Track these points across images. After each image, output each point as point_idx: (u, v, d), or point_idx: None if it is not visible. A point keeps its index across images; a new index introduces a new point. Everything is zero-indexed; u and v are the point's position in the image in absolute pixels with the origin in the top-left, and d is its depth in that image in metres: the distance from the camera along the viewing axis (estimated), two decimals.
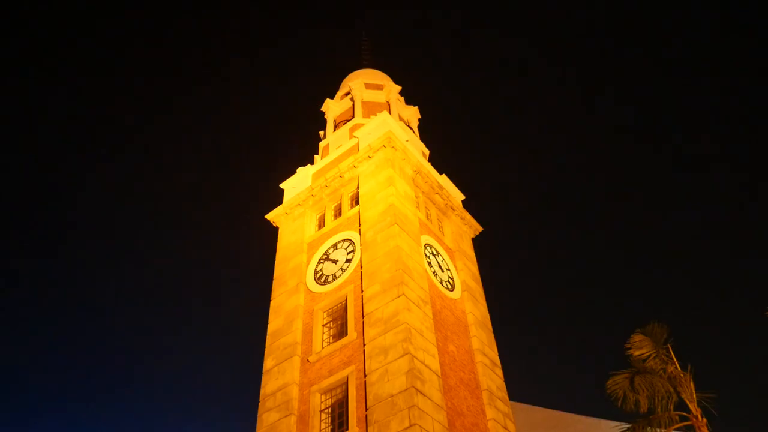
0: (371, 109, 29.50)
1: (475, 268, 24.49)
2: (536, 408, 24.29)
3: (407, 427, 14.92)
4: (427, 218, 23.92)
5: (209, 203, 68.60)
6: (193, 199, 67.47)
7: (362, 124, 27.13)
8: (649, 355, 15.36)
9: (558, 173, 66.40)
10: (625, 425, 15.14)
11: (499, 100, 71.48)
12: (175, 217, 66.22)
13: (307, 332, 19.90)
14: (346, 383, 17.38)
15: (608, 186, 63.93)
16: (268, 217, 25.72)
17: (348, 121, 29.15)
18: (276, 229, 25.51)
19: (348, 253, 21.21)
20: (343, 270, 20.77)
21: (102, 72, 65.46)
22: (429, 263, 21.23)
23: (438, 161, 28.77)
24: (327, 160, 26.41)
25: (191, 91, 71.28)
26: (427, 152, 29.15)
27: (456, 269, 23.14)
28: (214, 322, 62.65)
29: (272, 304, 21.96)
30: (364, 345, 17.56)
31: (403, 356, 16.27)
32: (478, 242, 26.74)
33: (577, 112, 67.32)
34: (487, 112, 71.86)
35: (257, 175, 71.14)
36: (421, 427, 14.94)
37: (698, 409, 14.49)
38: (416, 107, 32.02)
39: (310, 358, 18.85)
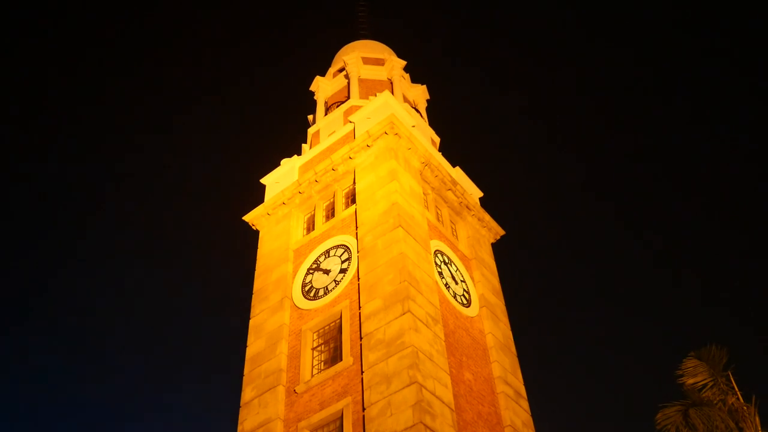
0: (370, 88, 29.54)
1: (495, 280, 24.50)
2: None
3: None
4: (438, 219, 23.96)
5: (175, 202, 68.75)
6: (157, 198, 67.58)
7: (359, 107, 27.20)
8: (706, 384, 15.37)
9: (594, 166, 66.43)
10: None
11: (524, 78, 71.61)
12: (137, 218, 66.31)
13: (294, 357, 19.93)
14: (341, 418, 17.39)
15: (660, 178, 63.93)
16: (246, 218, 25.78)
17: (342, 102, 29.21)
18: (256, 232, 25.57)
19: (342, 262, 21.25)
20: (336, 282, 20.81)
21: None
22: (440, 273, 21.26)
23: (451, 151, 28.85)
24: (317, 149, 26.47)
25: (147, 65, 71.43)
26: (438, 140, 29.19)
27: (473, 281, 23.17)
28: (180, 345, 62.72)
29: (252, 322, 22.00)
30: (362, 372, 17.59)
31: (409, 386, 16.30)
32: (498, 248, 26.80)
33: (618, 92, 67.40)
34: (509, 92, 71.95)
35: (233, 167, 71.26)
36: None
37: None
38: (424, 86, 32.07)
39: (298, 389, 18.88)
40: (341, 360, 18.59)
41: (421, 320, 18.02)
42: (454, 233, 24.68)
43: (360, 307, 19.17)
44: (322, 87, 31.46)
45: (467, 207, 25.44)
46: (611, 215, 66.19)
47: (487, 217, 26.35)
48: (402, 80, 30.96)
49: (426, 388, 16.36)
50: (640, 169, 64.97)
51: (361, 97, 28.70)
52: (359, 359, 18.04)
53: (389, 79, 30.75)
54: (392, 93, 28.69)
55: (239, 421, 19.39)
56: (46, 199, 65.12)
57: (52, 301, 63.06)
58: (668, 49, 65.78)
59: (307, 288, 21.58)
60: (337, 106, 29.19)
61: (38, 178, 64.48)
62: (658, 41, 65.59)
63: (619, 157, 66.58)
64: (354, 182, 23.38)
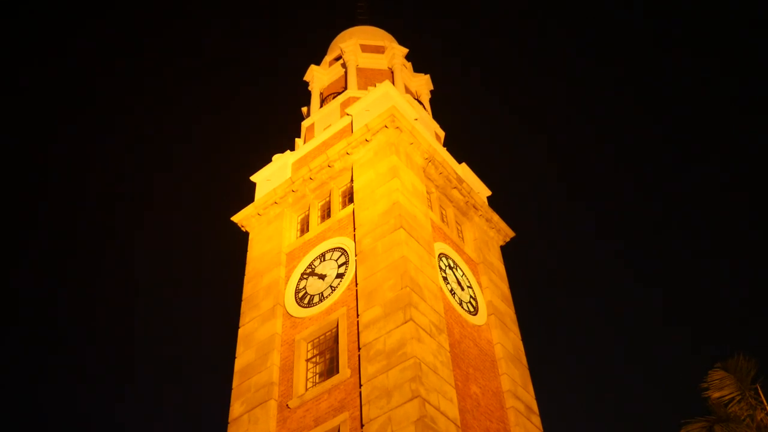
0: (369, 78, 29.57)
1: (504, 286, 24.54)
2: None
3: None
4: (443, 220, 23.99)
5: (158, 201, 68.76)
6: (138, 197, 67.59)
7: (357, 98, 27.24)
8: (733, 398, 15.39)
9: (612, 162, 66.36)
10: None
11: (535, 67, 71.65)
12: (118, 217, 66.33)
13: (287, 369, 19.96)
14: None
15: (691, 177, 63.85)
16: (234, 219, 25.81)
17: (339, 93, 29.25)
18: (245, 234, 25.60)
19: (339, 266, 21.28)
20: (332, 288, 20.84)
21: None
22: (445, 279, 21.29)
23: (456, 146, 28.90)
24: (312, 144, 26.50)
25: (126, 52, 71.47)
26: (443, 134, 29.22)
27: (480, 287, 23.20)
28: (163, 356, 62.71)
29: (240, 332, 22.03)
30: (360, 386, 17.62)
31: (411, 400, 16.32)
32: (508, 251, 26.82)
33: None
34: (519, 82, 72.01)
35: (220, 164, 71.31)
36: None
37: None
38: (428, 75, 32.10)
39: (291, 403, 18.91)
40: (338, 372, 18.61)
41: (424, 329, 18.05)
42: (460, 235, 24.70)
43: (358, 315, 19.19)
44: (317, 77, 31.47)
45: (474, 207, 25.48)
46: (632, 216, 66.11)
47: (496, 217, 26.38)
48: (403, 69, 30.99)
49: (429, 403, 16.39)
50: (667, 168, 64.99)
51: (359, 88, 28.73)
52: (357, 371, 18.07)
53: (390, 68, 30.77)
54: (393, 83, 28.72)
55: None
56: (18, 200, 65.23)
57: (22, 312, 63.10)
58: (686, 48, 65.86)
59: (300, 294, 21.61)
60: (334, 98, 29.23)
61: (14, 179, 64.54)
62: (671, 38, 65.68)
63: (643, 152, 66.52)
64: (351, 180, 23.41)
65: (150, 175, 69.30)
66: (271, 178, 26.27)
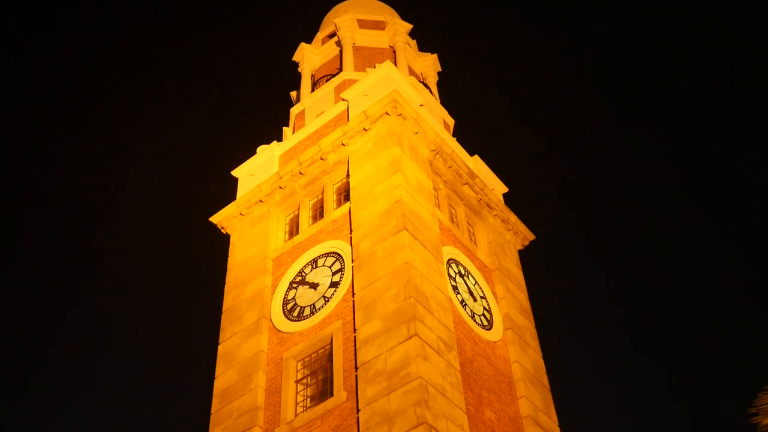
0: (368, 58, 29.59)
1: (523, 296, 24.53)
2: None
3: None
4: (452, 221, 23.98)
5: (128, 199, 68.86)
6: (105, 194, 67.62)
7: (354, 81, 27.24)
8: None
9: (644, 156, 66.38)
10: None
11: (557, 45, 71.70)
12: (79, 219, 66.38)
13: (274, 392, 19.95)
14: None
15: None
16: (213, 219, 25.82)
17: (333, 75, 29.27)
18: (226, 237, 25.59)
19: (333, 274, 21.27)
20: (326, 299, 20.83)
21: None
22: (455, 288, 21.28)
23: (468, 136, 28.93)
24: (302, 134, 26.51)
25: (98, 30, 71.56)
26: (452, 122, 29.22)
27: (495, 297, 23.19)
28: (132, 376, 62.81)
29: (220, 349, 22.04)
30: (357, 411, 17.59)
31: (416, 427, 16.28)
32: (527, 257, 26.80)
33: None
34: (539, 64, 72.00)
35: (198, 157, 71.34)
36: None
37: None
38: (435, 55, 32.13)
39: (278, 431, 18.89)
40: (332, 395, 18.59)
41: (431, 346, 18.02)
42: (472, 238, 24.68)
43: (355, 330, 19.17)
44: (308, 56, 31.47)
45: (488, 205, 25.45)
46: (666, 215, 66.03)
47: (513, 217, 26.36)
48: (407, 48, 31.01)
49: (437, 431, 16.35)
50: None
51: (356, 69, 28.75)
52: (354, 394, 18.04)
53: (391, 47, 30.79)
54: (395, 64, 28.73)
55: None
56: None
57: None
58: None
59: (289, 306, 21.60)
60: (327, 80, 29.24)
61: None
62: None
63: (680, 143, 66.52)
64: (347, 175, 23.41)
65: (118, 168, 69.35)
66: (255, 172, 26.29)
